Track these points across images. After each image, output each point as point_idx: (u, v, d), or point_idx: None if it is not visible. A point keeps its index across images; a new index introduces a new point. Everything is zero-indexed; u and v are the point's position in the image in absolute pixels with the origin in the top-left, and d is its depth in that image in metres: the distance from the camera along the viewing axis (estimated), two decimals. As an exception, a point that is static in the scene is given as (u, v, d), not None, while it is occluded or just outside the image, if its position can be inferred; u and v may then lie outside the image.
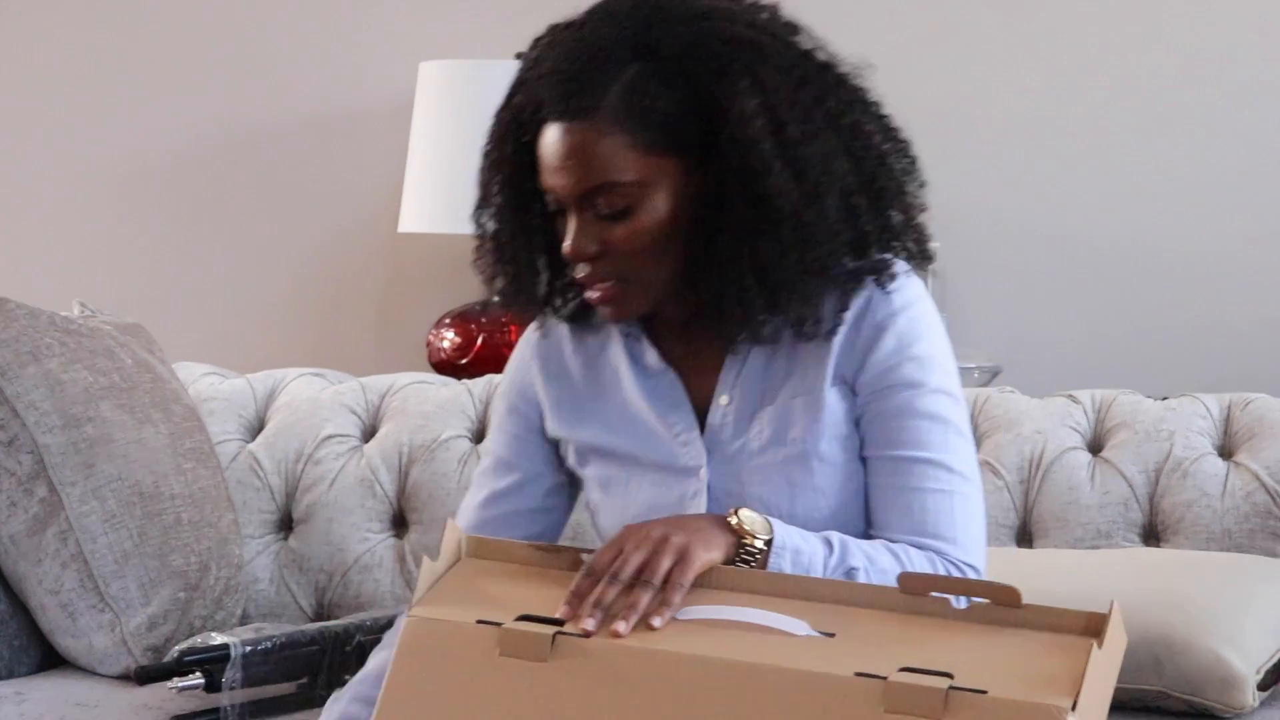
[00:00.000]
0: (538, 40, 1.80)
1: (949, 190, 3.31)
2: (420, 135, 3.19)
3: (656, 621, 1.55)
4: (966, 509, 1.78)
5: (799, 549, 1.68)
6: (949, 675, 1.43)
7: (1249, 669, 2.06)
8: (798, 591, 1.58)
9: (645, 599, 1.57)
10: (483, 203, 1.84)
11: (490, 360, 3.17)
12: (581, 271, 1.77)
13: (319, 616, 2.55)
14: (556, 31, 1.78)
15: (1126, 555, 2.36)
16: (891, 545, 1.74)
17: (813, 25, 1.82)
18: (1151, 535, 2.47)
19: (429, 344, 3.26)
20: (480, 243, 1.86)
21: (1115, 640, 1.50)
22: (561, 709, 1.50)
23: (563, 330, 1.91)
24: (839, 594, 1.57)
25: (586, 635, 1.54)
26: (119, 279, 3.57)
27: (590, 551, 1.65)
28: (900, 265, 1.80)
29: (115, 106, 3.59)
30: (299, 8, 3.50)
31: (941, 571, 1.74)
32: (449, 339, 3.22)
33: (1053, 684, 1.42)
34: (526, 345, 1.94)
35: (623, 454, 1.86)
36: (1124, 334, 3.13)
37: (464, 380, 2.75)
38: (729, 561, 1.65)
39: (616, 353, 1.88)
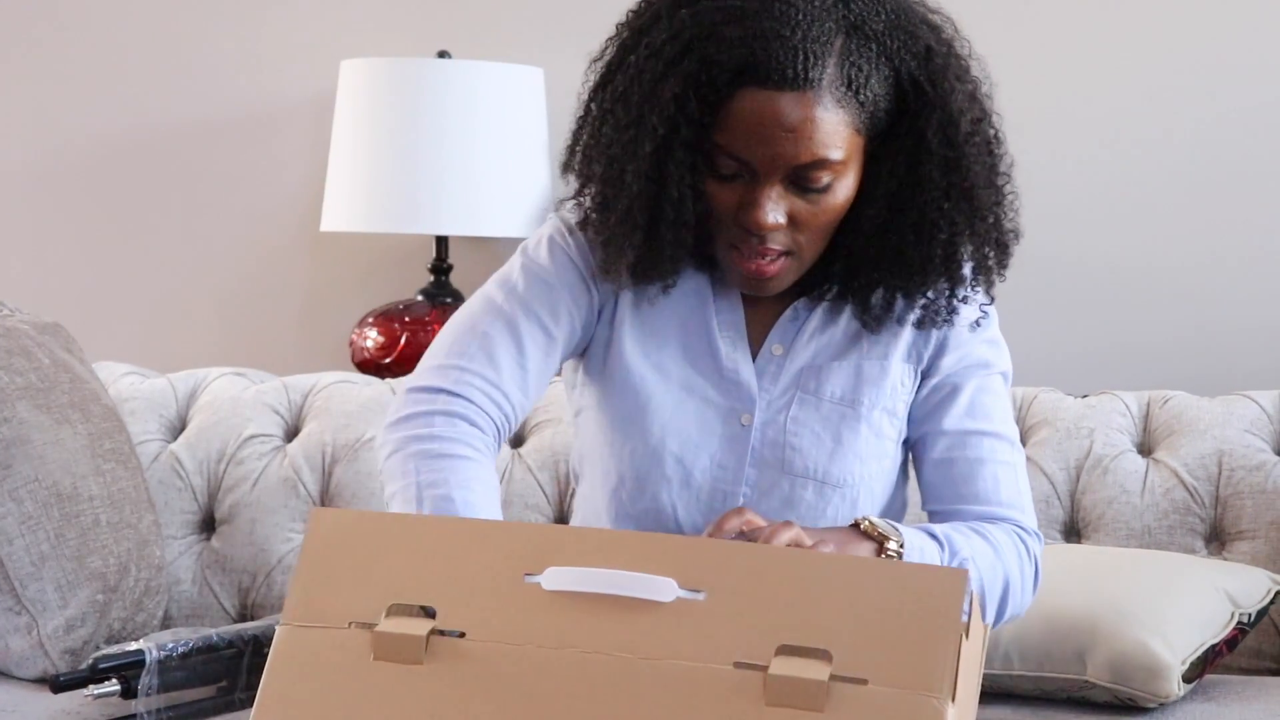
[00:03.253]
0: None
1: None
2: (342, 133, 3.17)
3: None
4: (1026, 482, 1.87)
5: (923, 549, 1.73)
6: (828, 654, 1.44)
7: (1175, 659, 2.09)
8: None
9: None
10: (633, 157, 1.69)
11: (414, 359, 3.14)
12: (752, 242, 1.71)
13: (242, 617, 2.54)
14: None
15: (1053, 552, 2.38)
16: (974, 527, 1.80)
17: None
18: (1073, 532, 2.49)
19: (352, 343, 3.24)
20: (627, 202, 1.71)
21: (977, 632, 1.54)
22: (439, 711, 1.50)
23: None
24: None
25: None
26: (37, 277, 3.54)
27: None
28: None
29: (33, 102, 3.55)
30: (220, 5, 3.47)
31: (1020, 545, 1.81)
32: (372, 338, 3.20)
33: (930, 677, 1.44)
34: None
35: (674, 372, 1.83)
36: (1045, 331, 3.15)
37: (387, 379, 2.74)
38: None
39: (700, 280, 1.84)
